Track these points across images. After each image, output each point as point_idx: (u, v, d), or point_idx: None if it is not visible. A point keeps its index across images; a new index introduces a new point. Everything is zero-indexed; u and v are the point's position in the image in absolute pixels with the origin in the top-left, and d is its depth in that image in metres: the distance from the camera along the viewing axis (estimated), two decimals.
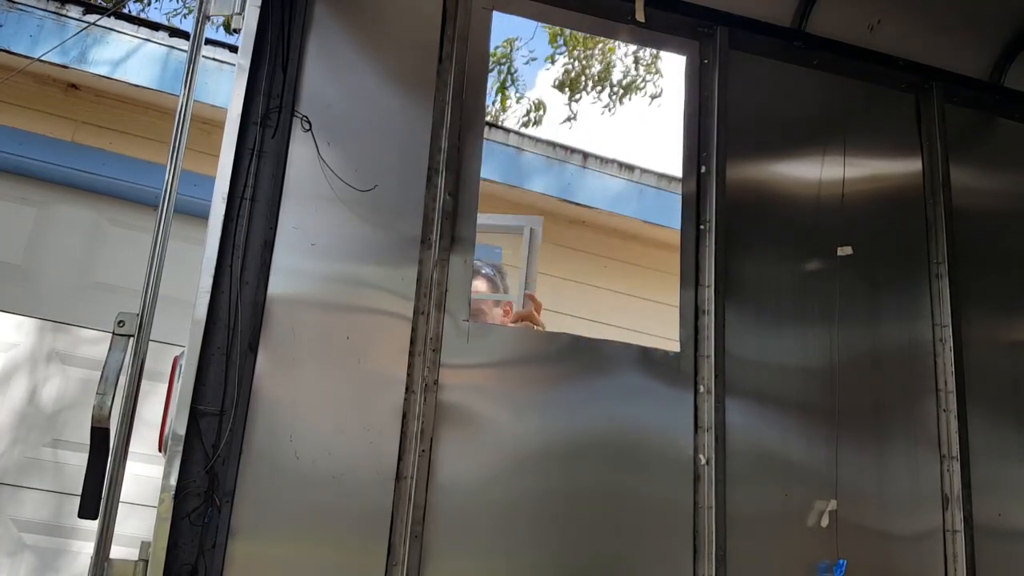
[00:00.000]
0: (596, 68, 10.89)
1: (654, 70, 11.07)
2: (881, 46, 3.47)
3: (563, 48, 10.58)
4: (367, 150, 2.76)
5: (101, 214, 4.81)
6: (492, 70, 10.53)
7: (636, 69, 11.05)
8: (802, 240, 3.16)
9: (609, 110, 11.12)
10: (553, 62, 10.78)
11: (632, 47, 10.68)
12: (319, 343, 2.56)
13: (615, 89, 11.02)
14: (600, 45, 10.75)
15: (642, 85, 11.08)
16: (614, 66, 10.99)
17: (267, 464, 2.42)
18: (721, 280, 2.95)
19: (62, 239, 4.71)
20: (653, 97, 11.12)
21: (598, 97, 11.00)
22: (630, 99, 11.09)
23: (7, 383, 4.25)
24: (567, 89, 10.85)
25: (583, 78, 10.83)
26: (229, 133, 2.58)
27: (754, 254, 3.07)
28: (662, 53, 11.04)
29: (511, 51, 10.68)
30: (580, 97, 10.95)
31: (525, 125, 10.74)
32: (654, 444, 2.76)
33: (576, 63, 10.78)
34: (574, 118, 11.04)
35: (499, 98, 10.69)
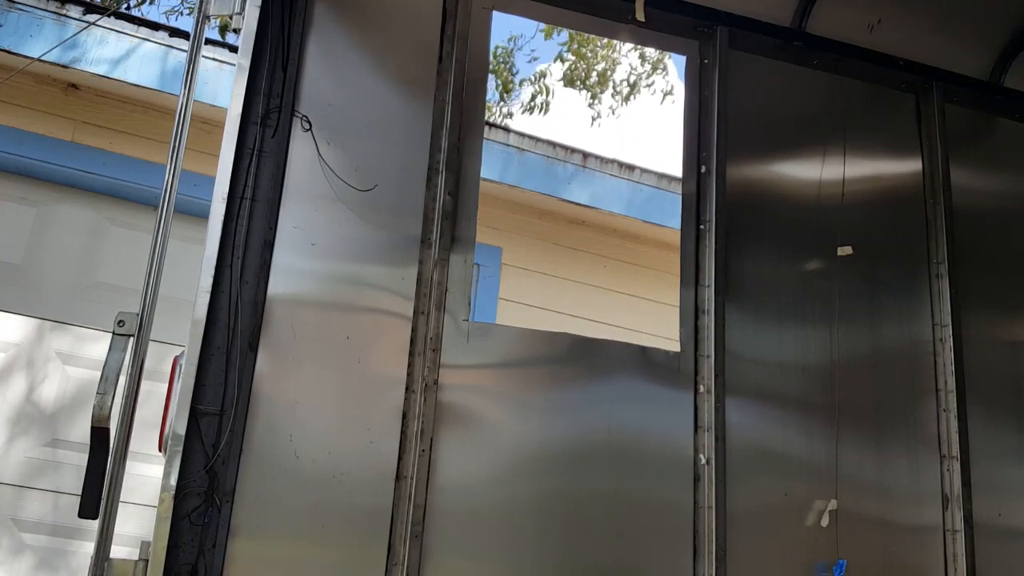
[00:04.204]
0: (601, 66, 10.84)
1: (661, 67, 11.02)
2: (881, 46, 3.47)
3: (564, 41, 10.51)
4: (367, 150, 2.76)
5: (101, 214, 4.81)
6: (494, 70, 10.47)
7: (643, 65, 10.99)
8: (802, 240, 3.16)
9: (613, 112, 11.09)
10: (563, 62, 10.69)
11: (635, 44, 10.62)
12: (319, 343, 2.56)
13: (618, 88, 10.97)
14: (603, 46, 10.71)
15: (649, 83, 11.02)
16: (618, 63, 10.94)
17: (267, 464, 2.42)
18: (721, 280, 2.95)
19: (62, 239, 4.71)
20: (665, 94, 11.06)
21: (599, 100, 10.96)
22: (634, 98, 11.04)
23: (7, 383, 4.24)
24: (580, 86, 10.76)
25: (594, 74, 10.74)
26: (229, 133, 2.58)
27: (754, 254, 3.07)
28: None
29: (513, 49, 10.63)
30: (600, 98, 10.87)
31: (531, 111, 10.67)
32: (654, 444, 2.77)
33: (581, 61, 10.72)
34: (598, 117, 10.92)
35: (502, 85, 10.60)
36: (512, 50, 10.63)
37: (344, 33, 2.87)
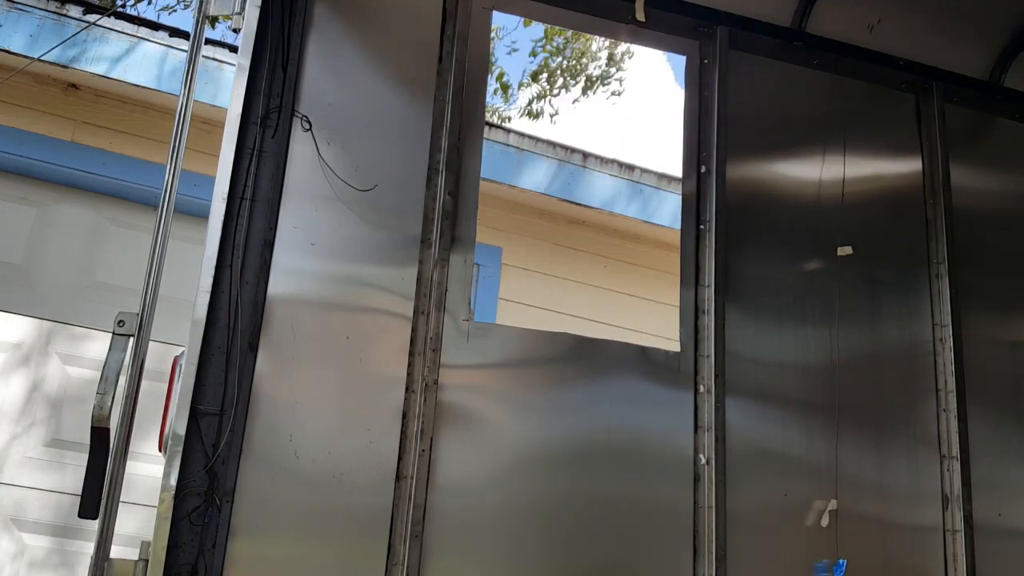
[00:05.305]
0: (571, 54, 10.90)
1: (624, 67, 11.11)
2: (881, 46, 3.47)
3: (538, 38, 10.61)
4: (367, 150, 2.76)
5: (101, 214, 4.80)
6: None
7: (608, 65, 11.08)
8: (802, 240, 3.16)
9: (576, 102, 11.18)
10: (535, 56, 10.74)
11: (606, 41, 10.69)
12: (319, 343, 2.56)
13: (587, 82, 11.03)
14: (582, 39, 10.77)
15: (608, 82, 11.11)
16: (590, 59, 11.00)
17: (267, 464, 2.42)
18: (721, 280, 2.95)
19: (62, 239, 4.71)
20: (614, 93, 11.19)
21: (571, 92, 11.03)
22: (594, 93, 11.13)
23: (7, 383, 4.24)
24: (543, 79, 10.78)
25: (559, 71, 10.81)
26: (229, 133, 2.58)
27: (754, 254, 3.07)
28: (636, 53, 11.14)
29: (492, 39, 10.66)
30: (558, 93, 10.93)
31: (528, 115, 10.71)
32: (654, 444, 2.77)
33: (555, 52, 10.77)
34: (556, 114, 10.97)
35: (499, 87, 10.68)
36: (491, 40, 10.66)
37: (344, 33, 2.87)
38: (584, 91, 11.08)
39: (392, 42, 2.92)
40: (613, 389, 2.79)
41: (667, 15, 3.20)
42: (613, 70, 11.11)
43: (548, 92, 10.85)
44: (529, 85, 10.80)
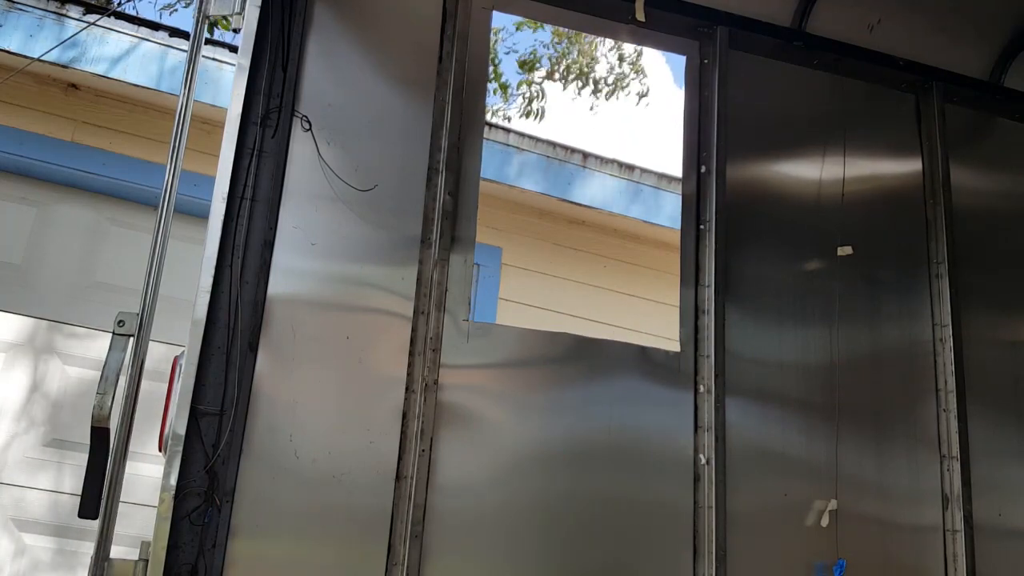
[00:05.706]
0: (573, 57, 10.82)
1: (639, 68, 11.02)
2: (881, 46, 3.47)
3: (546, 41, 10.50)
4: (367, 150, 2.76)
5: (101, 214, 4.80)
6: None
7: (620, 66, 11.00)
8: (802, 240, 3.16)
9: (592, 109, 11.10)
10: (519, 30, 10.63)
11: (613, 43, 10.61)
12: (319, 343, 2.56)
13: (599, 86, 10.95)
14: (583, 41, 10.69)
15: (626, 84, 11.02)
16: (597, 61, 10.92)
17: (267, 464, 2.42)
18: (721, 280, 2.95)
19: (62, 239, 4.71)
20: (640, 96, 11.07)
21: (579, 93, 10.93)
22: (617, 98, 11.04)
23: (7, 383, 4.25)
24: (526, 70, 10.67)
25: (559, 66, 10.71)
26: (229, 133, 2.58)
27: (754, 254, 3.07)
28: (646, 51, 11.08)
29: (495, 43, 10.58)
30: (542, 81, 10.83)
31: (527, 116, 10.65)
32: (654, 444, 2.77)
33: (554, 52, 10.69)
34: (541, 98, 10.83)
35: (497, 87, 10.60)
36: (494, 43, 10.60)
37: (344, 33, 2.87)
38: (607, 96, 11.00)
39: (392, 42, 2.92)
40: (613, 389, 2.79)
41: (667, 15, 3.21)
42: (629, 71, 11.03)
43: (549, 73, 10.75)
44: (530, 84, 10.75)
